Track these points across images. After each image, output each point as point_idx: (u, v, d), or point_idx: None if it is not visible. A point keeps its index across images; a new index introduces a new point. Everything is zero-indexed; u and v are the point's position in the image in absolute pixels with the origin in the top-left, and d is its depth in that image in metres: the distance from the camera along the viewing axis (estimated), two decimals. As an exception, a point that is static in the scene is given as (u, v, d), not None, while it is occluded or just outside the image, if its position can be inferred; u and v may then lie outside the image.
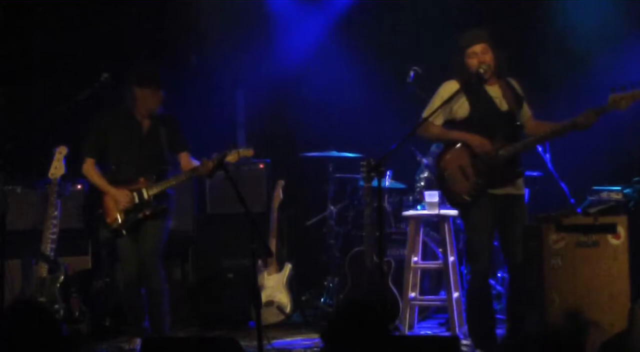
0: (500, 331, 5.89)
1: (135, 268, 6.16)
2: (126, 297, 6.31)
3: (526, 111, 5.70)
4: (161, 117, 6.26)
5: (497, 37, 5.66)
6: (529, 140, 5.60)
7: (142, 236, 6.13)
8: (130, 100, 6.15)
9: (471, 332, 5.81)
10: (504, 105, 5.60)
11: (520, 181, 5.66)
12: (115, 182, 6.15)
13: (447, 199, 5.99)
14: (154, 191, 6.09)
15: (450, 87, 5.64)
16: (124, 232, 6.11)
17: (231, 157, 5.90)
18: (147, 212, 6.09)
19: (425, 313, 7.06)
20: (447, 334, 6.50)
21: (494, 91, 5.64)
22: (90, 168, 6.24)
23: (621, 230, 5.28)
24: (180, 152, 6.24)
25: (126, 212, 6.09)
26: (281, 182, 7.34)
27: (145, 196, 6.09)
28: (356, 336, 3.52)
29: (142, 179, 6.10)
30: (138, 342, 6.08)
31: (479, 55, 5.56)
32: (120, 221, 6.09)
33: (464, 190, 5.62)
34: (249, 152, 6.01)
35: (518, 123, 5.61)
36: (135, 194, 6.08)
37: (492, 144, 5.53)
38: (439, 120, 5.70)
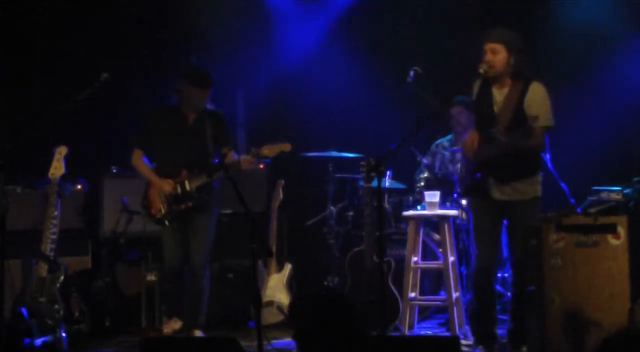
0: (500, 331, 5.89)
1: (175, 260, 6.36)
2: (165, 288, 6.69)
3: (532, 121, 5.53)
4: (209, 112, 6.38)
5: (521, 40, 5.61)
6: (493, 148, 5.53)
7: (192, 234, 6.30)
8: (178, 94, 6.33)
9: (472, 329, 5.84)
10: (498, 109, 5.60)
11: (524, 186, 5.60)
12: (160, 174, 6.31)
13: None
14: (196, 183, 6.22)
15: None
16: (166, 222, 6.28)
17: (268, 151, 6.12)
18: (190, 204, 6.23)
19: (425, 313, 7.06)
20: (447, 334, 6.50)
21: (499, 94, 5.61)
22: (137, 159, 6.42)
23: (621, 230, 5.28)
24: (224, 148, 6.31)
25: (169, 204, 6.24)
26: (281, 182, 7.33)
27: (187, 187, 6.22)
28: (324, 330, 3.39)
29: (184, 172, 6.23)
30: (178, 325, 6.39)
31: (487, 53, 5.55)
32: (163, 211, 6.26)
33: (461, 183, 5.86)
34: (286, 146, 6.15)
35: (493, 130, 5.54)
36: (178, 185, 6.23)
37: (477, 143, 5.56)
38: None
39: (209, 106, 6.42)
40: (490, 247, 5.68)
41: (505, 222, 5.81)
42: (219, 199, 6.43)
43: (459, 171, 5.99)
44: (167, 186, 6.23)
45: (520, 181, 5.59)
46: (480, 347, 5.71)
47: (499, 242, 5.94)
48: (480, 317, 5.78)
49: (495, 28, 5.63)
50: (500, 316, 6.29)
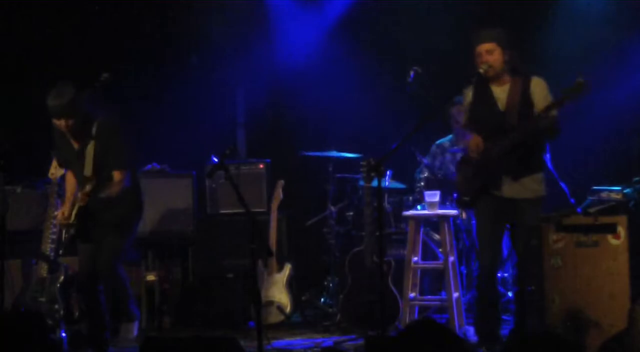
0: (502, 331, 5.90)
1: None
2: None
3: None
4: (97, 127, 5.87)
5: (511, 36, 5.61)
6: (513, 137, 5.46)
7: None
8: None
9: (477, 329, 5.85)
10: (503, 106, 5.59)
11: (530, 184, 5.57)
12: None
13: (457, 202, 6.06)
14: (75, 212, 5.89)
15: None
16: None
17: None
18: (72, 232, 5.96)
19: (425, 313, 7.06)
20: (447, 334, 6.49)
21: (500, 91, 5.60)
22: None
23: (621, 230, 5.28)
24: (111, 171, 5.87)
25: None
26: (281, 182, 7.34)
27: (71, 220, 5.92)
28: None
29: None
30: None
31: (483, 54, 5.55)
32: None
33: (463, 190, 5.68)
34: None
35: (512, 123, 5.54)
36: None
37: (485, 144, 5.52)
38: (464, 119, 5.80)
39: (100, 116, 5.89)
40: (492, 248, 5.67)
41: (508, 224, 5.77)
42: (127, 206, 6.01)
43: (458, 182, 5.87)
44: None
45: (529, 177, 5.57)
46: (484, 348, 5.71)
47: (501, 243, 5.91)
48: (484, 317, 5.78)
49: (483, 29, 5.64)
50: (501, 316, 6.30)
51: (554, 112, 5.40)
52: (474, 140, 5.56)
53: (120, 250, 6.07)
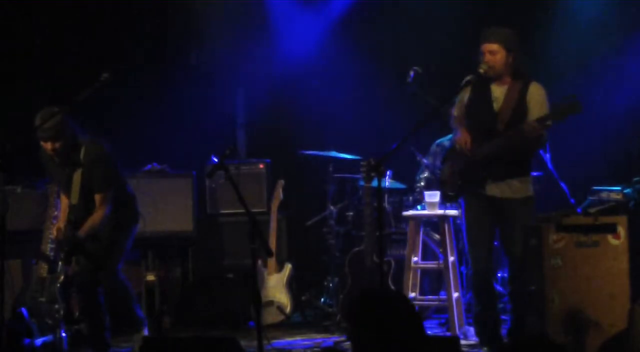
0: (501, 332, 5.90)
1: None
2: None
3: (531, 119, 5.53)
4: (83, 159, 5.81)
5: (518, 39, 5.59)
6: (497, 142, 5.50)
7: None
8: None
9: (477, 331, 5.85)
10: (498, 107, 5.59)
11: (518, 184, 5.59)
12: None
13: (441, 194, 6.10)
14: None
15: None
16: None
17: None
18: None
19: (425, 313, 7.06)
20: (447, 334, 6.50)
21: (499, 92, 5.60)
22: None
23: (621, 230, 5.29)
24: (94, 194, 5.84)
25: None
26: (281, 182, 7.34)
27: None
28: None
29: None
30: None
31: (485, 54, 5.54)
32: None
33: (448, 185, 5.78)
34: None
35: (503, 125, 5.54)
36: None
37: (472, 142, 5.53)
38: (457, 112, 5.78)
39: (83, 137, 5.83)
40: (486, 248, 5.67)
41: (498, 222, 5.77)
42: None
43: (442, 174, 5.91)
44: None
45: (515, 178, 5.59)
46: (485, 348, 5.71)
47: (492, 242, 5.90)
48: (483, 319, 5.78)
49: (491, 28, 5.63)
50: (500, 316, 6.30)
51: (543, 125, 5.38)
52: (462, 138, 5.58)
53: (118, 254, 6.02)
